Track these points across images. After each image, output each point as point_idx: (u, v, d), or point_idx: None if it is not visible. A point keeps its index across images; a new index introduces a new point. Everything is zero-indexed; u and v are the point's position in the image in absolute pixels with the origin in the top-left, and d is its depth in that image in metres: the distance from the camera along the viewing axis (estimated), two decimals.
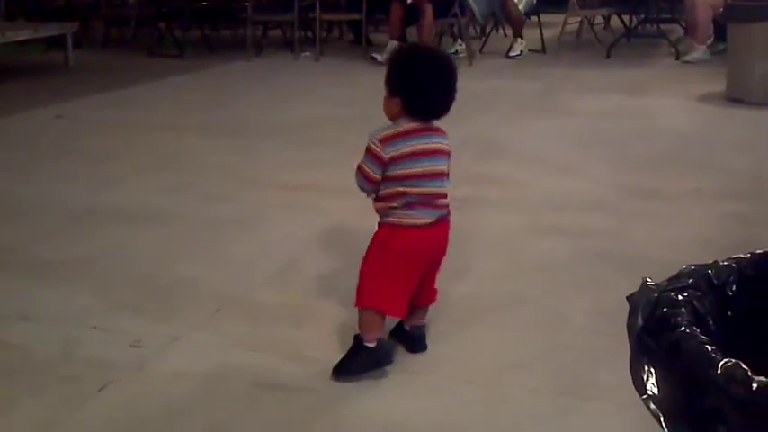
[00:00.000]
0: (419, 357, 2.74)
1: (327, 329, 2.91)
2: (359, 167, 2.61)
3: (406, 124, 2.58)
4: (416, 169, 2.56)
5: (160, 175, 4.85)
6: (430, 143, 2.59)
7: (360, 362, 2.62)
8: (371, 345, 2.61)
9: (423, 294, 2.73)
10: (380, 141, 2.55)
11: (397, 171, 2.56)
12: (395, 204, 2.58)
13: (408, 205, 2.57)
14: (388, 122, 2.61)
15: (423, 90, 2.57)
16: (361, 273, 2.64)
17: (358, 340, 2.64)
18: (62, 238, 3.87)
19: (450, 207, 2.66)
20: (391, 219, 2.60)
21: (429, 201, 2.59)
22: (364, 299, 2.62)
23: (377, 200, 2.64)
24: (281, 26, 10.22)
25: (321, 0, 9.04)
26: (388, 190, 2.59)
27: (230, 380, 2.63)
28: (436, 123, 2.65)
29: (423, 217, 2.58)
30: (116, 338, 2.87)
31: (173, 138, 5.72)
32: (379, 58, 8.37)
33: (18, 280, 3.39)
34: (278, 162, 5.10)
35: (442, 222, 2.64)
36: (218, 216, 4.13)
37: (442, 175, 2.62)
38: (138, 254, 3.67)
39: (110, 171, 4.91)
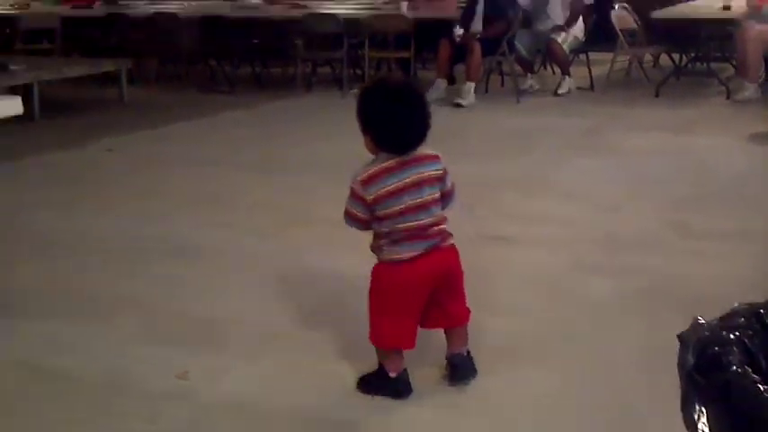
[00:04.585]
0: (461, 394, 2.73)
1: (371, 365, 2.90)
2: (345, 210, 2.65)
3: (384, 162, 2.58)
4: (397, 207, 2.57)
5: (205, 209, 4.90)
6: (410, 176, 2.57)
7: (381, 388, 2.71)
8: (393, 375, 2.69)
9: (445, 317, 2.73)
10: (362, 183, 2.58)
11: (381, 211, 2.58)
12: (382, 242, 2.63)
13: (394, 242, 2.60)
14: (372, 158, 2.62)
15: (387, 125, 2.57)
16: (369, 312, 2.70)
17: (382, 367, 2.71)
18: (107, 271, 3.92)
19: (446, 232, 2.65)
20: (382, 256, 2.65)
21: (416, 234, 2.59)
22: (374, 339, 2.70)
23: (374, 237, 2.68)
24: (330, 63, 10.32)
25: (370, 38, 9.13)
26: (377, 229, 2.64)
27: (275, 413, 2.63)
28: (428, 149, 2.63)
29: (409, 251, 2.59)
30: (163, 370, 2.90)
31: (220, 173, 5.78)
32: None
33: (64, 313, 3.44)
34: (322, 198, 5.09)
35: (437, 250, 2.63)
36: (262, 251, 4.16)
37: (426, 206, 2.60)
38: (181, 288, 3.70)
39: (156, 205, 4.98)
